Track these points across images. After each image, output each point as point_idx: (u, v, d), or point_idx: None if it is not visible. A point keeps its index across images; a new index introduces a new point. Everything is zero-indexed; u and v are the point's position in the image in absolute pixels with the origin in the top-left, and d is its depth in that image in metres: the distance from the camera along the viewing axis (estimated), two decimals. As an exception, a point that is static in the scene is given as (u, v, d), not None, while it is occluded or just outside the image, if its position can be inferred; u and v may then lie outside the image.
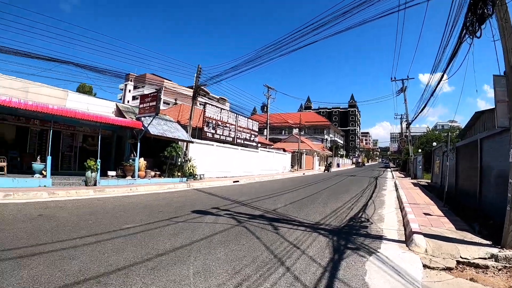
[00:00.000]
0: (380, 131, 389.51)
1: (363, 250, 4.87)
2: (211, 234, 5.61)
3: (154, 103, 13.58)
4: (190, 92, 33.48)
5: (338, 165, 61.81)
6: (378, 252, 4.82)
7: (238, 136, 24.04)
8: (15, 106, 9.74)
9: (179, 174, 15.95)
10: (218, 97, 41.70)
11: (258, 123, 28.48)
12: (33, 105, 10.13)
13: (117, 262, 3.95)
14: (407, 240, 5.55)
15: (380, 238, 5.77)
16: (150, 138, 14.47)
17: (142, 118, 14.28)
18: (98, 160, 11.88)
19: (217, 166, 20.57)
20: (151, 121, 14.37)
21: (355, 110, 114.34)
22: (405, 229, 6.54)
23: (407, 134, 34.24)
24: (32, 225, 5.82)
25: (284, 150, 36.90)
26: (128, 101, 62.50)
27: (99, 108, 14.73)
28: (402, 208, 9.12)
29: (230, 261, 4.19)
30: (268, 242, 5.21)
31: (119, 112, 15.79)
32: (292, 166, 37.75)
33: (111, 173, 13.21)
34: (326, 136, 74.81)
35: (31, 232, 5.25)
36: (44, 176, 10.79)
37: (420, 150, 32.95)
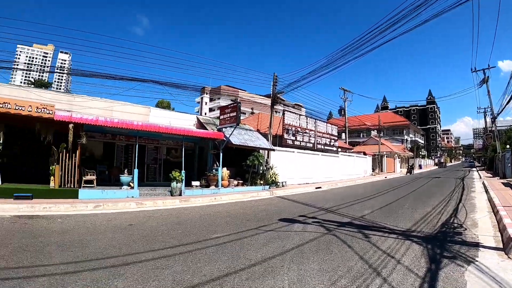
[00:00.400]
0: (462, 127, 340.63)
1: (460, 259, 4.53)
2: (302, 243, 5.36)
3: (234, 114, 13.50)
4: (265, 101, 33.40)
5: (420, 167, 57.46)
6: (476, 261, 4.46)
7: (318, 142, 22.94)
8: (102, 124, 10.31)
9: (262, 182, 15.48)
10: (293, 103, 40.98)
11: (337, 127, 26.92)
12: (118, 123, 10.62)
13: (210, 272, 3.84)
14: (506, 247, 5.11)
15: (476, 245, 5.34)
16: (231, 148, 14.32)
17: (223, 129, 14.26)
18: (183, 171, 11.97)
19: (299, 172, 19.76)
20: (232, 131, 14.17)
21: (434, 106, 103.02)
22: (502, 235, 5.95)
23: (493, 128, 29.54)
24: (123, 234, 5.80)
25: (364, 153, 34.60)
26: (205, 113, 65.20)
27: (180, 121, 15.16)
28: (495, 212, 8.40)
29: (325, 271, 3.97)
30: (361, 251, 4.94)
31: (200, 124, 16.08)
32: (373, 169, 35.15)
33: (195, 183, 13.26)
34: (406, 137, 68.79)
35: (122, 242, 5.22)
36: (132, 188, 11.13)
37: (508, 146, 27.91)
